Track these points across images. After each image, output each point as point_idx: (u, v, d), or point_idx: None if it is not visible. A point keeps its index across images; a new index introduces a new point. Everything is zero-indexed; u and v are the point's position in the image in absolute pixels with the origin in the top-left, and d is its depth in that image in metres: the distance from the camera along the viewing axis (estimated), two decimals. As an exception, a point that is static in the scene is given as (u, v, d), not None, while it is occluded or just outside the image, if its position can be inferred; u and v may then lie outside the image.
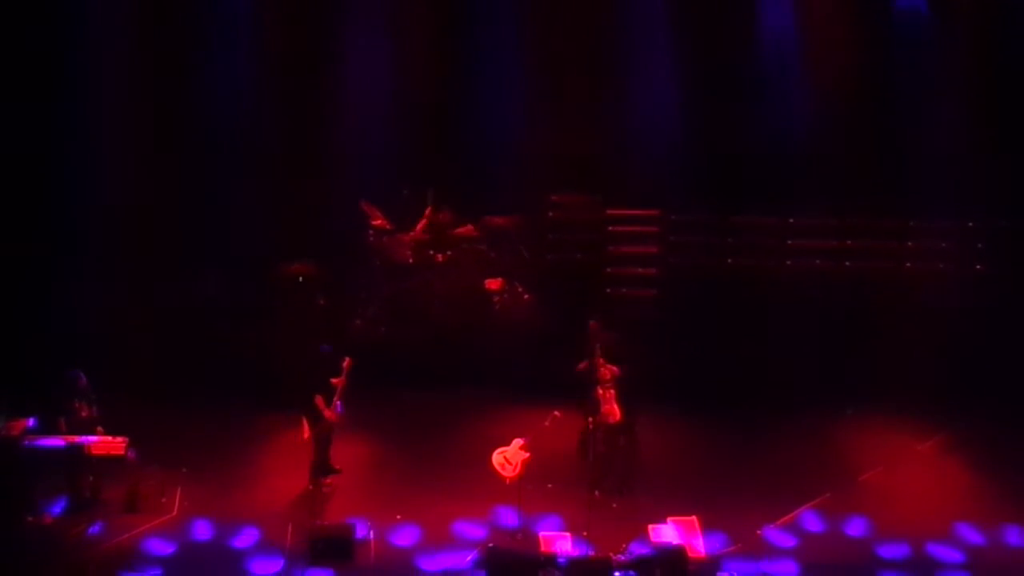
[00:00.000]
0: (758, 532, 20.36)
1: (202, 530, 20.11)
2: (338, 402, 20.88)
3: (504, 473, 20.49)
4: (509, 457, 20.48)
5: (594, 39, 26.47)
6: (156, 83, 25.64)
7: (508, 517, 20.40)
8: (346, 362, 20.94)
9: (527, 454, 20.47)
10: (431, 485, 21.47)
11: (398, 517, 20.50)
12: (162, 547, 19.60)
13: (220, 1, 26.06)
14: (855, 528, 20.70)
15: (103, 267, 25.04)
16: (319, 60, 26.32)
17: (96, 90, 25.40)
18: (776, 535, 20.38)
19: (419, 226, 25.89)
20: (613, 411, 20.90)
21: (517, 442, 20.57)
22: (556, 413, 20.76)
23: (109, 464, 20.25)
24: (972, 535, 20.49)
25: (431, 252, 25.76)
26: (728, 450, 22.88)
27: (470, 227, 26.06)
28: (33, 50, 25.07)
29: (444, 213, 25.89)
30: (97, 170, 25.33)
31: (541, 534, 19.75)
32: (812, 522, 20.81)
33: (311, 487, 20.96)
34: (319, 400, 20.92)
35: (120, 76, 25.49)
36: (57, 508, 20.12)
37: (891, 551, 20.06)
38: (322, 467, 21.09)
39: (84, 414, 20.58)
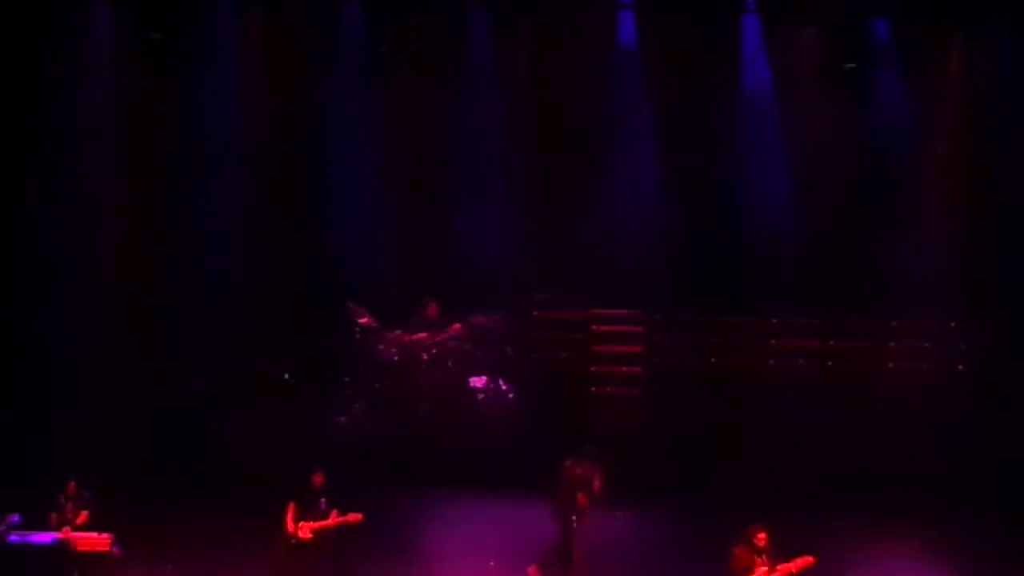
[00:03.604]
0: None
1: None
2: (309, 525, 20.54)
3: None
4: None
5: (577, 139, 26.68)
6: (142, 185, 25.90)
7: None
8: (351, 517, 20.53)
9: None
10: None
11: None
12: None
13: (205, 100, 26.17)
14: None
15: (90, 368, 25.05)
16: (302, 159, 26.49)
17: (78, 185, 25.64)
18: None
19: (417, 332, 26.04)
20: None
21: None
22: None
23: (95, 560, 20.16)
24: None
25: (418, 351, 25.83)
26: (712, 547, 22.80)
27: (458, 326, 26.11)
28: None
29: (432, 307, 25.96)
30: (82, 274, 25.49)
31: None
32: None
33: None
34: (290, 509, 20.64)
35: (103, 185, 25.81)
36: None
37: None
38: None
39: (71, 511, 20.52)
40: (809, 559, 19.77)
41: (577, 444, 21.33)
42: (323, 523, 20.45)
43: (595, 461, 20.93)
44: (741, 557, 19.57)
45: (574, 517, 20.80)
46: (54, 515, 20.46)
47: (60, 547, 20.09)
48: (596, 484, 20.81)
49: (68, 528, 20.27)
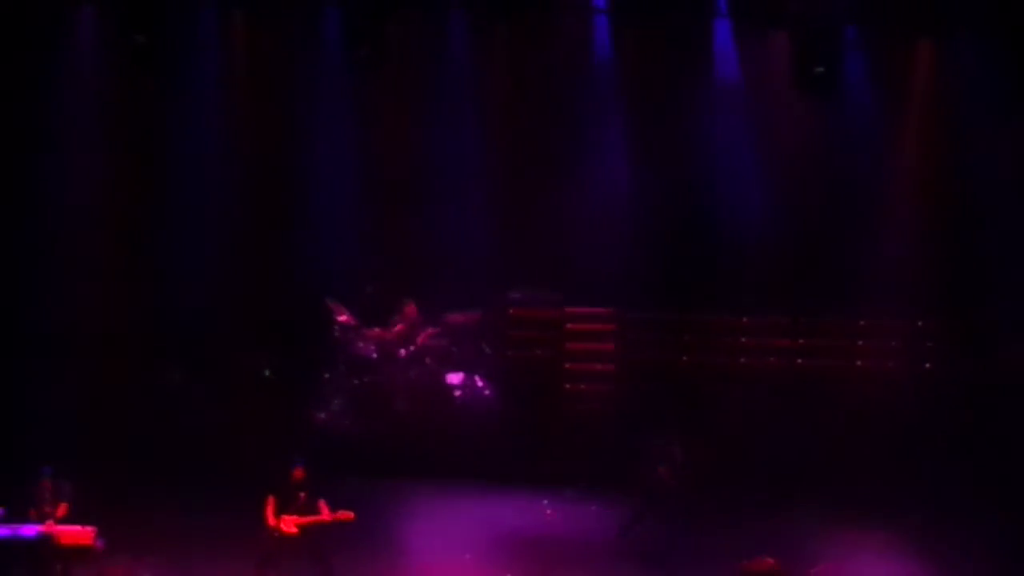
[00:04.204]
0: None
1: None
2: (294, 519, 20.40)
3: None
4: None
5: (552, 139, 27.05)
6: (124, 184, 26.21)
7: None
8: (343, 515, 20.38)
9: None
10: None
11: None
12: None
13: (188, 103, 26.45)
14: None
15: (70, 362, 25.36)
16: (283, 160, 26.79)
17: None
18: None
19: (396, 329, 26.34)
20: None
21: None
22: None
23: (78, 553, 20.18)
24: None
25: (397, 348, 26.15)
26: (684, 543, 23.18)
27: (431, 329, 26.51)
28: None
29: (410, 307, 26.29)
30: (62, 270, 25.81)
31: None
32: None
33: None
34: (269, 502, 20.50)
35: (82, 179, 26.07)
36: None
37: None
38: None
39: (50, 504, 20.54)
40: None
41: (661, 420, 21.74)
42: (315, 518, 20.28)
43: (678, 438, 21.31)
44: None
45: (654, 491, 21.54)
46: (32, 510, 20.43)
47: (44, 541, 20.10)
48: (679, 458, 21.25)
49: (51, 521, 20.27)
